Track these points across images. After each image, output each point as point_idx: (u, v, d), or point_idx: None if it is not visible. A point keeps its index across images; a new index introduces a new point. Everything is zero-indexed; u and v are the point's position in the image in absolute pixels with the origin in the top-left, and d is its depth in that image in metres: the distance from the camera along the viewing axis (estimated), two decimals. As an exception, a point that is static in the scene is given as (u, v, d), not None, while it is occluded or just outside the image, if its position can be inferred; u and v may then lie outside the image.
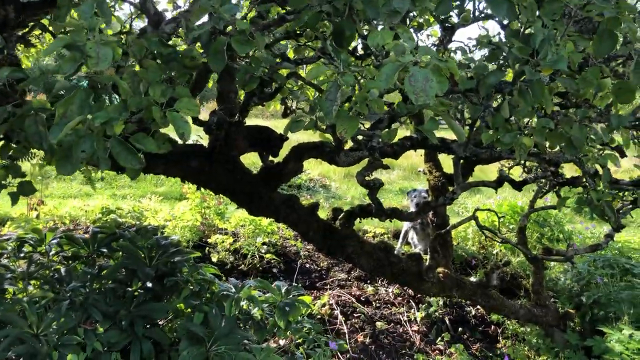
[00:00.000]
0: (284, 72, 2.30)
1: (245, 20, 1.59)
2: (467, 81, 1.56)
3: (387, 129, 1.70)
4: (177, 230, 4.79)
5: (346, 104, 1.51)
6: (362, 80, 1.36)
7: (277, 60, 2.05)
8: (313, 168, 11.14)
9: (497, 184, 2.29)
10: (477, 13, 2.55)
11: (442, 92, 1.20)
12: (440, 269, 3.16)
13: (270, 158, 3.15)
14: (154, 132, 1.59)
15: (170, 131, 1.60)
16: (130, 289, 2.50)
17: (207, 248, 4.77)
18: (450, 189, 3.64)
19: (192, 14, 1.60)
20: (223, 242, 4.73)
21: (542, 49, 1.43)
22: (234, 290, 2.72)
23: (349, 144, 2.09)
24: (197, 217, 4.96)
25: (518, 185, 2.37)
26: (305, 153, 2.76)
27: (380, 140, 1.85)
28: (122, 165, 1.47)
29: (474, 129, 1.93)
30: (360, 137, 2.07)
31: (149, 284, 2.53)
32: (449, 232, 3.19)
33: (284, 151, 2.86)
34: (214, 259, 4.43)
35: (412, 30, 3.00)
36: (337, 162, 2.44)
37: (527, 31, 1.57)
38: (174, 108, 1.50)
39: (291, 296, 2.93)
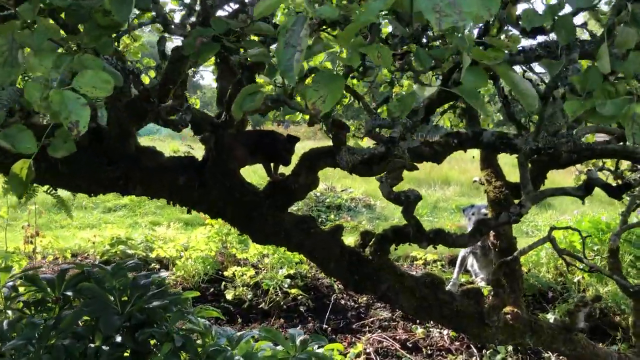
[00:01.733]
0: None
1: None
2: (534, 15, 1.02)
3: (398, 100, 1.17)
4: (189, 263, 4.37)
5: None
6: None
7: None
8: (356, 186, 10.62)
9: (584, 191, 1.71)
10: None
11: (491, 13, 0.68)
12: (507, 309, 2.54)
13: (281, 170, 2.69)
14: (55, 126, 1.14)
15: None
16: (92, 345, 2.04)
17: (224, 282, 4.31)
18: (517, 201, 3.03)
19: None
20: (242, 275, 4.26)
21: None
22: (231, 341, 2.23)
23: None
24: (212, 246, 4.53)
25: (616, 192, 1.77)
26: (319, 161, 2.27)
27: (405, 131, 1.32)
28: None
29: (550, 101, 1.37)
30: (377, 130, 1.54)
31: (118, 338, 2.06)
32: (517, 258, 2.59)
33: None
34: (229, 296, 3.96)
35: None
36: (357, 169, 1.92)
37: None
38: (72, 86, 1.04)
39: (309, 348, 2.41)
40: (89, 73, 1.06)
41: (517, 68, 3.20)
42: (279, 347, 2.41)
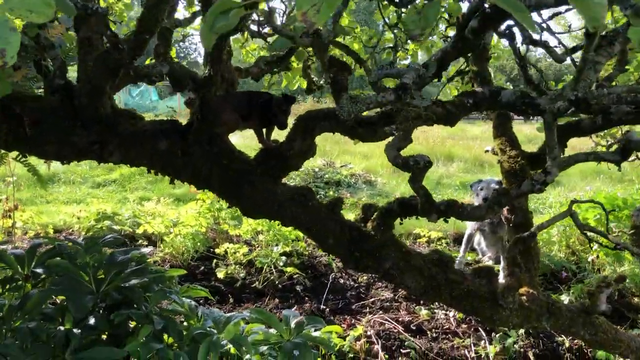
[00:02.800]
0: None
1: None
2: None
3: (418, 13, 0.95)
4: (178, 239, 4.20)
5: None
6: None
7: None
8: (356, 162, 10.44)
9: (621, 156, 1.52)
10: None
11: None
12: (523, 289, 2.38)
13: (275, 137, 2.51)
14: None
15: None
16: (62, 328, 1.88)
17: (215, 260, 4.15)
18: (537, 171, 2.84)
19: None
20: (235, 252, 4.10)
21: None
22: (218, 324, 2.07)
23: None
24: (203, 221, 4.35)
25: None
26: (316, 125, 2.08)
27: (418, 77, 1.12)
28: None
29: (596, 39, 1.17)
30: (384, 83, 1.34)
31: (92, 320, 1.90)
32: (535, 234, 2.42)
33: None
34: (220, 275, 3.80)
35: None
36: (358, 133, 1.73)
37: None
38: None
39: (306, 331, 2.25)
40: (25, -7, 0.86)
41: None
42: (272, 330, 2.25)
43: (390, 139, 1.78)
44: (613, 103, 1.30)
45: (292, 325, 2.21)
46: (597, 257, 4.20)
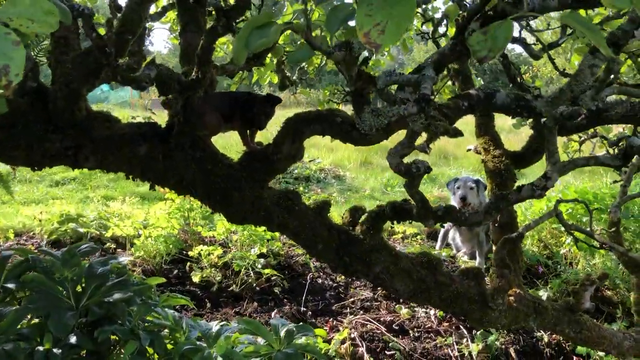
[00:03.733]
0: None
1: None
2: None
3: (483, 33, 0.89)
4: (149, 242, 4.07)
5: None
6: None
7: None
8: (324, 156, 10.41)
9: (622, 160, 1.52)
10: None
11: None
12: (511, 290, 2.39)
13: (258, 140, 2.44)
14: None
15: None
16: (41, 348, 1.77)
17: (189, 263, 4.04)
18: (514, 177, 2.86)
19: None
20: (209, 254, 4.00)
21: None
22: (208, 338, 2.00)
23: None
24: (175, 223, 4.23)
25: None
26: (306, 128, 2.02)
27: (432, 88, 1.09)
28: None
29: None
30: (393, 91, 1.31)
31: (73, 339, 1.80)
32: (522, 236, 2.43)
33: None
34: (196, 279, 3.70)
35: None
36: (353, 137, 1.68)
37: None
38: (-2, 17, 0.76)
39: (295, 340, 2.20)
40: (26, 1, 0.78)
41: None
42: (260, 340, 2.20)
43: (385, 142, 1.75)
44: (626, 111, 1.29)
45: (282, 334, 2.16)
46: (570, 250, 4.29)
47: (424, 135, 1.33)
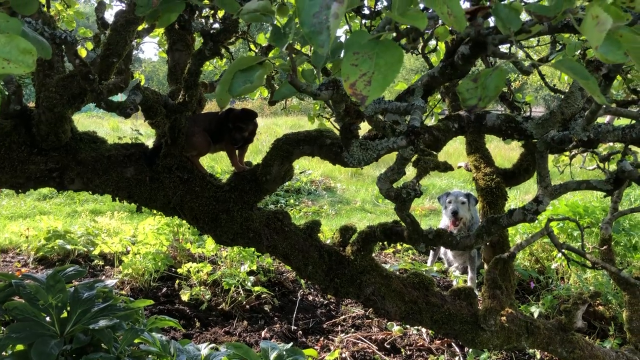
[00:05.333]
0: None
1: None
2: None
3: (473, 80, 0.87)
4: (137, 259, 4.02)
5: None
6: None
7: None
8: (314, 167, 10.39)
9: (613, 185, 1.52)
10: None
11: None
12: (503, 310, 2.38)
13: (248, 159, 2.43)
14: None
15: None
16: (24, 379, 1.73)
17: (178, 280, 3.99)
18: (503, 196, 2.85)
19: None
20: (198, 272, 3.96)
21: None
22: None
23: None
24: (163, 240, 4.19)
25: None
26: (295, 149, 2.01)
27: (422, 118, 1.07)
28: None
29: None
30: (380, 117, 1.29)
31: (57, 368, 1.76)
32: (514, 255, 2.42)
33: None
34: (185, 297, 3.65)
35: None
36: (345, 161, 1.66)
37: None
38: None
39: (285, 363, 2.17)
40: (1, 39, 0.75)
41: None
42: (250, 364, 2.16)
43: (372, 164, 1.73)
44: (618, 140, 1.29)
45: (272, 358, 2.13)
46: (561, 265, 4.29)
47: (414, 170, 1.32)
